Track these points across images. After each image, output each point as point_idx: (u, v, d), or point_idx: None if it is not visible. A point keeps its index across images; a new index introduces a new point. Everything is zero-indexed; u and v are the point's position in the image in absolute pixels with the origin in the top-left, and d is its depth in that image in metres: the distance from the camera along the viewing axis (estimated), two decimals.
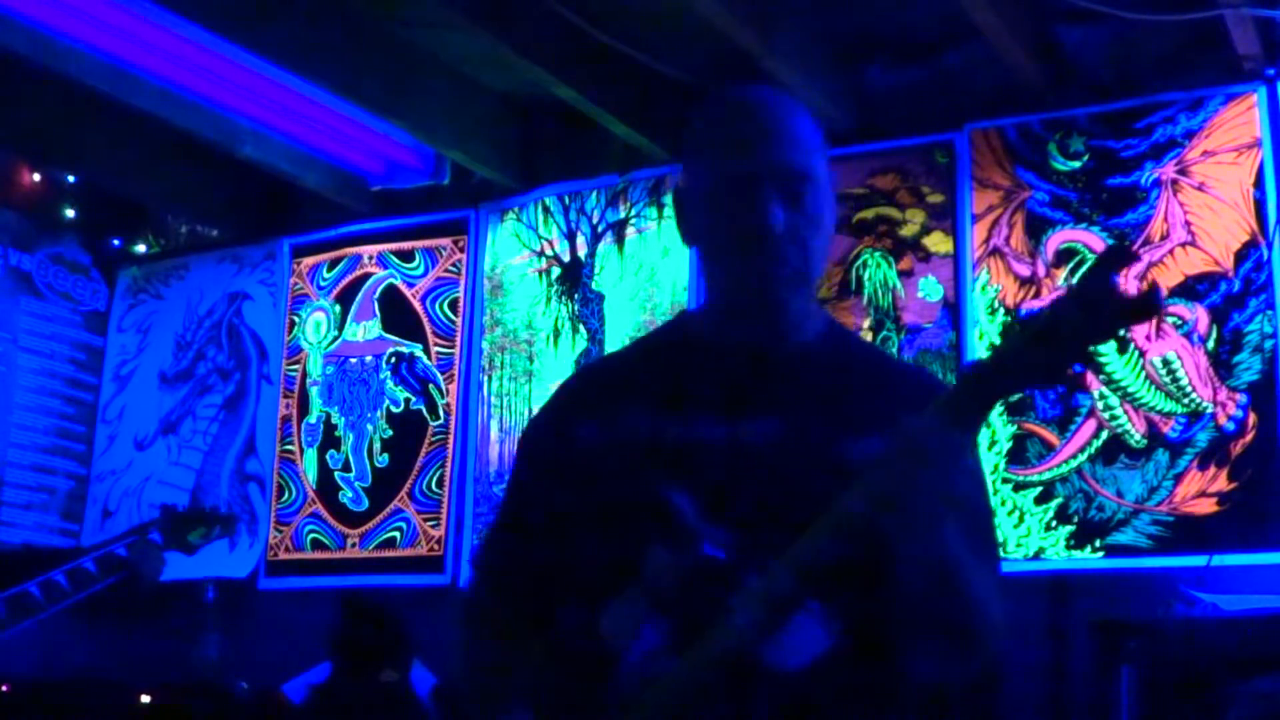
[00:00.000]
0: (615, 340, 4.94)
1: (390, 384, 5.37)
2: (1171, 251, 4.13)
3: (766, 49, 4.18)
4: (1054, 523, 4.10)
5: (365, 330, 5.48)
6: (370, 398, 5.39)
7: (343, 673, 4.19)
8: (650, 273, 4.94)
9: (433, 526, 5.14)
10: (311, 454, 5.47)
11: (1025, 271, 4.31)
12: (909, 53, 4.51)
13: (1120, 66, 4.28)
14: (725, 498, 1.59)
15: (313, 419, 5.50)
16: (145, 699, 4.55)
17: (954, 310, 4.39)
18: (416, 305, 5.39)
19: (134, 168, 5.52)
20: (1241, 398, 3.95)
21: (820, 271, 1.72)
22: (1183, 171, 4.15)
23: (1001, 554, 1.60)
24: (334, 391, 5.48)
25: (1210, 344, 4.02)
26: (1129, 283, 4.17)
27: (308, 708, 4.23)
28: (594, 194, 5.11)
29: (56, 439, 5.91)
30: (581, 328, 5.04)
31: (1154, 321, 4.11)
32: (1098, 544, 4.03)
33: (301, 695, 4.33)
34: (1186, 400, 4.03)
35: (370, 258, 5.53)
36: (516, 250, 5.23)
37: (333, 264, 5.60)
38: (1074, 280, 1.46)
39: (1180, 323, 4.07)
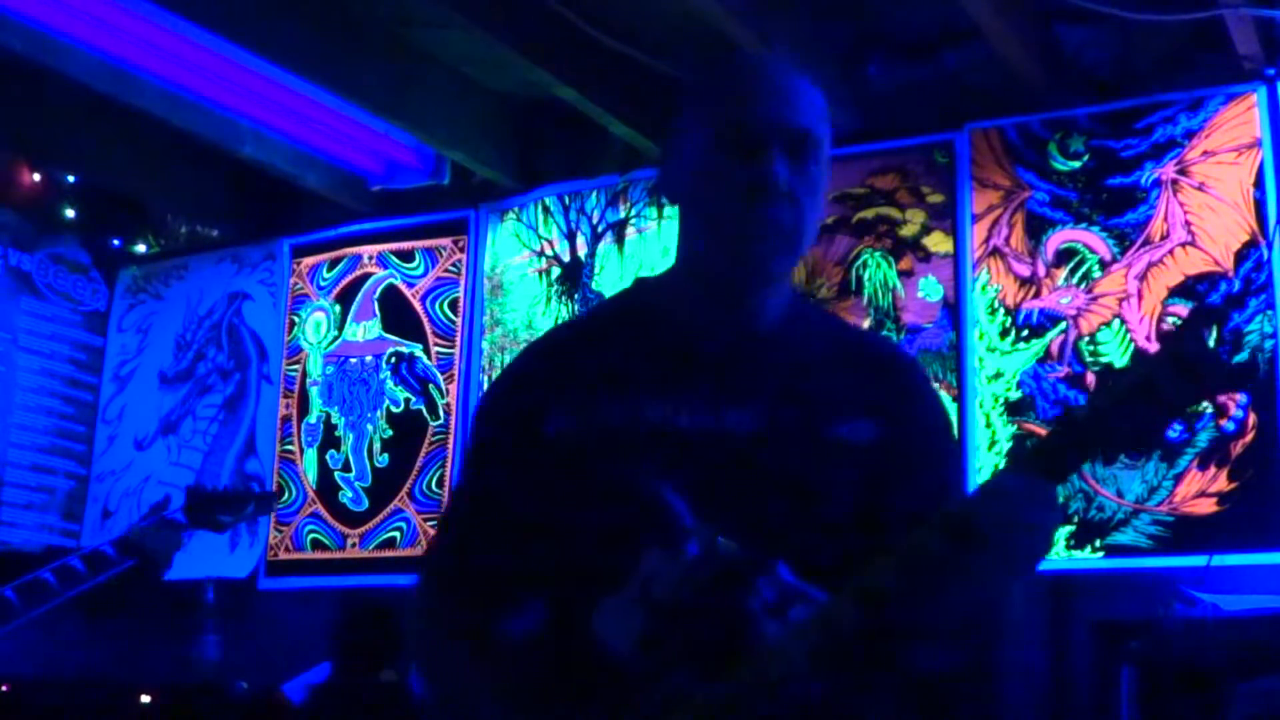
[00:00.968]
0: None
1: (390, 384, 5.36)
2: (1171, 251, 4.13)
3: (766, 49, 4.17)
4: None
5: (365, 330, 5.48)
6: (370, 398, 5.39)
7: (343, 673, 4.19)
8: (650, 273, 4.93)
9: (433, 527, 5.14)
10: (311, 454, 5.47)
11: (1025, 271, 4.31)
12: (909, 53, 4.51)
13: (1120, 66, 4.28)
14: (716, 490, 1.53)
15: (313, 419, 5.50)
16: (145, 699, 4.55)
17: (954, 310, 4.39)
18: (416, 305, 5.39)
19: (134, 168, 5.52)
20: (1241, 398, 3.94)
21: (810, 243, 1.65)
22: (1183, 171, 4.14)
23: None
24: (334, 391, 5.48)
25: (1210, 344, 4.01)
26: (1129, 282, 4.17)
27: (308, 708, 4.23)
28: (594, 194, 5.11)
29: (56, 439, 5.91)
30: None
31: (1154, 321, 4.12)
32: (1098, 544, 4.03)
33: (301, 695, 4.33)
34: None
35: (370, 258, 5.53)
36: (516, 250, 5.23)
37: (333, 264, 5.60)
38: (1165, 340, 1.37)
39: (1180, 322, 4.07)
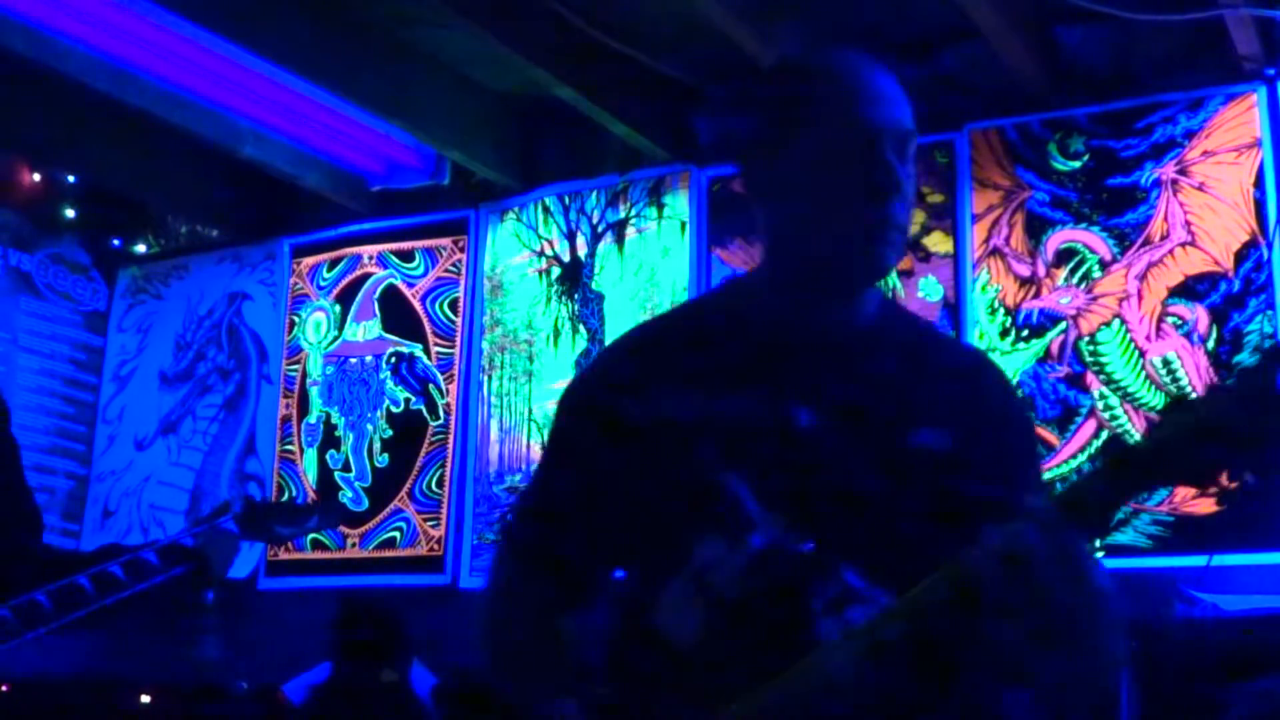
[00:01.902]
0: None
1: (390, 384, 5.37)
2: (1171, 251, 4.13)
3: (766, 49, 4.18)
4: None
5: (365, 330, 5.48)
6: (370, 398, 5.39)
7: (343, 673, 4.19)
8: (650, 273, 4.94)
9: (433, 526, 5.14)
10: (311, 454, 5.47)
11: (1025, 271, 4.31)
12: (909, 52, 4.51)
13: (1120, 67, 4.28)
14: (780, 486, 1.54)
15: (313, 419, 5.50)
16: (145, 699, 4.55)
17: (954, 310, 4.39)
18: (416, 305, 5.39)
19: (134, 168, 5.52)
20: None
21: (904, 247, 1.64)
22: (1183, 171, 4.14)
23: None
24: (334, 391, 5.48)
25: (1210, 344, 4.02)
26: (1129, 282, 4.17)
27: (308, 708, 4.23)
28: (594, 194, 5.11)
29: (56, 439, 5.91)
30: (581, 328, 5.04)
31: (1154, 321, 4.12)
32: (1098, 544, 4.03)
33: (301, 695, 4.32)
34: None
35: (370, 258, 5.53)
36: (516, 250, 5.23)
37: (333, 264, 5.60)
38: (1233, 376, 1.34)
39: (1180, 323, 4.07)
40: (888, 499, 1.53)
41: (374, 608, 4.27)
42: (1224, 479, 1.45)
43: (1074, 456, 4.12)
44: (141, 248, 6.18)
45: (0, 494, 2.44)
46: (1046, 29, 4.29)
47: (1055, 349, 4.21)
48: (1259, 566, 3.80)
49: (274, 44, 4.46)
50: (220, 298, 5.87)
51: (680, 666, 1.51)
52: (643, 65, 4.57)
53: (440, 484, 5.17)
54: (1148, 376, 4.08)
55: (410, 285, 5.42)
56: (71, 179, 5.86)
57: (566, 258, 5.12)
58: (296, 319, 5.64)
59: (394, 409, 5.34)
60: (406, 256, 5.45)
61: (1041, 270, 4.29)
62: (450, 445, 5.20)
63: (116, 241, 6.13)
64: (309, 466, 5.45)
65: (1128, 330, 4.14)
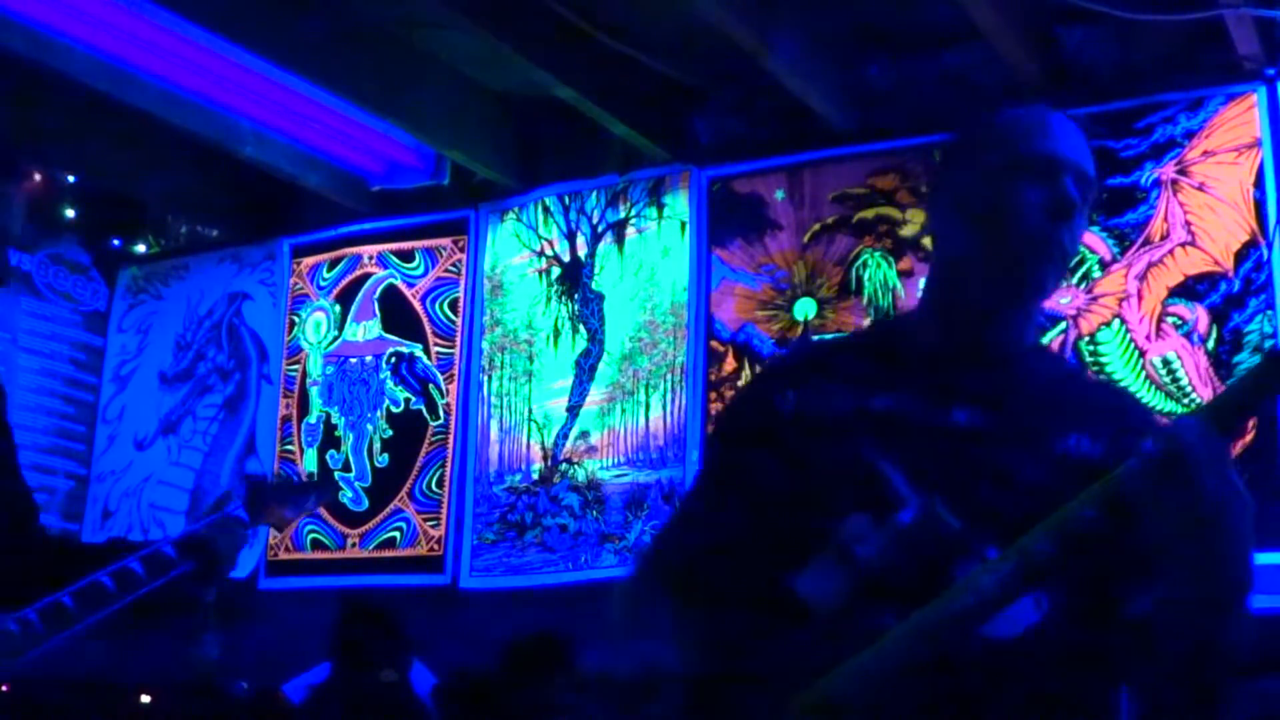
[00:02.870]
0: (615, 340, 4.95)
1: (390, 384, 5.37)
2: (1171, 251, 4.13)
3: (767, 49, 4.18)
4: None
5: (365, 330, 5.48)
6: (370, 398, 5.39)
7: (343, 673, 4.19)
8: (650, 273, 4.94)
9: (433, 526, 5.14)
10: (311, 454, 5.47)
11: None
12: (909, 52, 4.51)
13: (1120, 66, 4.28)
14: (932, 473, 1.62)
15: (313, 419, 5.50)
16: (145, 699, 4.56)
17: None
18: (416, 305, 5.39)
19: (134, 168, 5.52)
20: None
21: (1063, 278, 1.79)
22: (1183, 171, 4.14)
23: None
24: (334, 391, 5.48)
25: (1210, 344, 4.02)
26: (1129, 282, 4.17)
27: (308, 708, 4.23)
28: (594, 194, 5.11)
29: (56, 439, 5.91)
30: (581, 328, 5.04)
31: (1154, 321, 4.12)
32: None
33: (301, 695, 4.32)
34: (1186, 400, 4.03)
35: (370, 258, 5.53)
36: (516, 250, 5.23)
37: (333, 264, 5.60)
38: None
39: (1180, 323, 4.07)
40: (1036, 493, 1.59)
41: (374, 608, 4.27)
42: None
43: None
44: (141, 248, 6.18)
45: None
46: (1046, 29, 4.29)
47: (1055, 349, 4.21)
48: (1259, 566, 3.79)
49: (274, 44, 4.46)
50: (220, 298, 5.87)
51: (816, 632, 1.58)
52: (643, 65, 4.57)
53: (440, 484, 5.17)
54: (1148, 376, 4.08)
55: (410, 285, 5.42)
56: (71, 179, 5.86)
57: (566, 258, 5.12)
58: (296, 319, 5.64)
59: (394, 409, 5.34)
60: (406, 256, 5.45)
61: None
62: (450, 445, 5.20)
63: (116, 241, 6.13)
64: (309, 466, 5.45)
65: (1128, 330, 4.14)
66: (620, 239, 5.03)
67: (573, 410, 4.99)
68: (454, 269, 5.35)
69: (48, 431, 5.88)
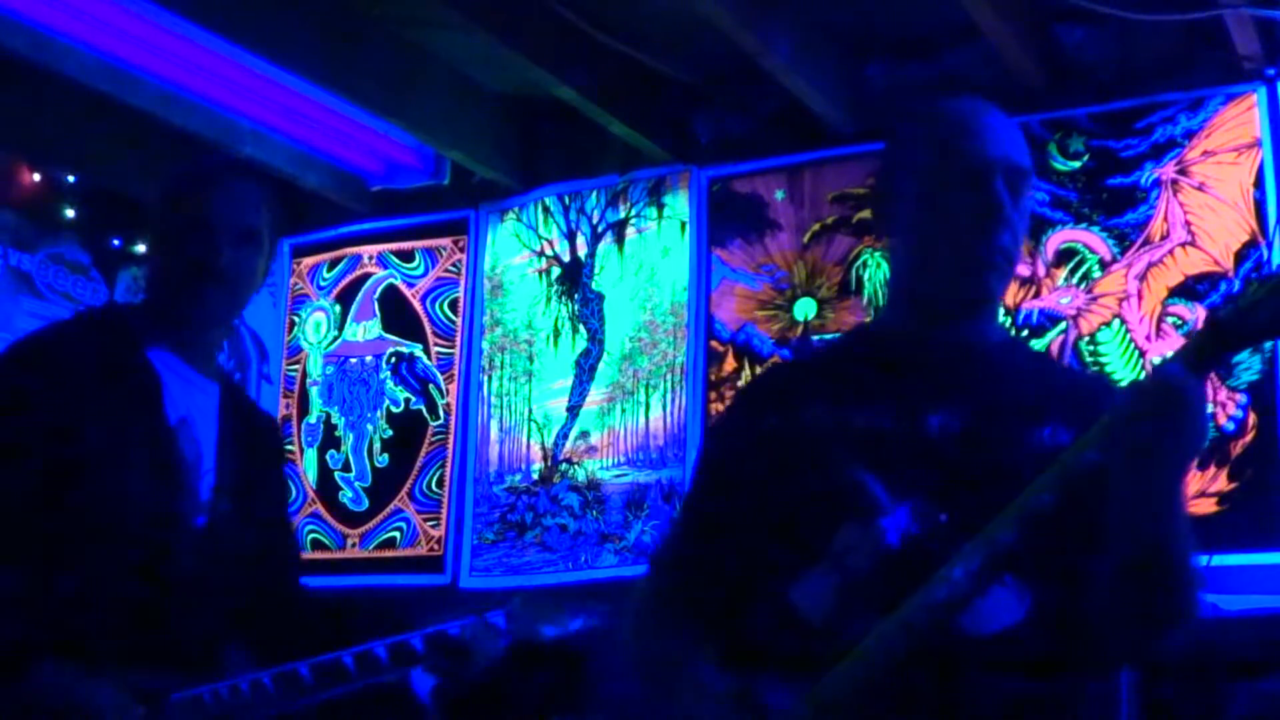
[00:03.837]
0: (615, 340, 4.95)
1: (390, 384, 5.37)
2: (1171, 251, 4.13)
3: (766, 49, 4.18)
4: None
5: (365, 330, 5.48)
6: (370, 398, 5.39)
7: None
8: (650, 273, 4.94)
9: (433, 526, 5.14)
10: (311, 454, 5.47)
11: (1025, 271, 4.31)
12: (909, 52, 4.51)
13: (1120, 66, 4.28)
14: (916, 479, 1.66)
15: (313, 419, 5.50)
16: None
17: None
18: (416, 305, 5.39)
19: (134, 168, 5.52)
20: (1241, 398, 3.95)
21: (1013, 271, 1.79)
22: (1183, 171, 4.14)
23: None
24: (334, 391, 5.48)
25: None
26: (1129, 282, 4.17)
27: (307, 707, 4.22)
28: (594, 194, 5.11)
29: None
30: (581, 328, 5.04)
31: (1154, 321, 4.12)
32: None
33: None
34: None
35: (370, 258, 5.53)
36: (516, 250, 5.23)
37: (333, 264, 5.60)
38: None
39: (1180, 323, 4.07)
40: (1012, 488, 1.60)
41: (374, 608, 4.27)
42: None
43: None
44: (141, 248, 6.17)
45: (263, 531, 2.39)
46: (1046, 29, 4.29)
47: (1055, 349, 4.21)
48: (1259, 566, 3.79)
49: (274, 44, 4.46)
50: None
51: (813, 640, 1.62)
52: (643, 65, 4.57)
53: (440, 484, 5.17)
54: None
55: (410, 285, 5.42)
56: (71, 179, 5.85)
57: (566, 258, 5.12)
58: (296, 319, 5.64)
59: (394, 409, 5.34)
60: (406, 256, 5.45)
61: (1041, 270, 4.29)
62: (450, 445, 5.20)
63: (116, 241, 6.12)
64: (309, 466, 5.45)
65: (1128, 330, 4.14)
66: (620, 239, 5.03)
67: (573, 410, 4.99)
68: (454, 269, 5.35)
69: None
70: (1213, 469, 3.93)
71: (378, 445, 5.34)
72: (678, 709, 1.74)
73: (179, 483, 2.23)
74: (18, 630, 2.07)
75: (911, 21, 4.40)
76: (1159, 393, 1.53)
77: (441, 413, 5.25)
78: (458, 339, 5.28)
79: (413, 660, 2.44)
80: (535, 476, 5.00)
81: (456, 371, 5.26)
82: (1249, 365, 3.96)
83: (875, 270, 4.54)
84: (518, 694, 3.82)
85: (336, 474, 5.39)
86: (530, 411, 5.08)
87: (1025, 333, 4.26)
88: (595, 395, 4.96)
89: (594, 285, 5.05)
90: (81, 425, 2.19)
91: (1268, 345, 3.92)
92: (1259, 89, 4.08)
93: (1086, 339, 4.19)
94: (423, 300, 5.39)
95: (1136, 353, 4.10)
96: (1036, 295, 4.28)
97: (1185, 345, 1.60)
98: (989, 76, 4.37)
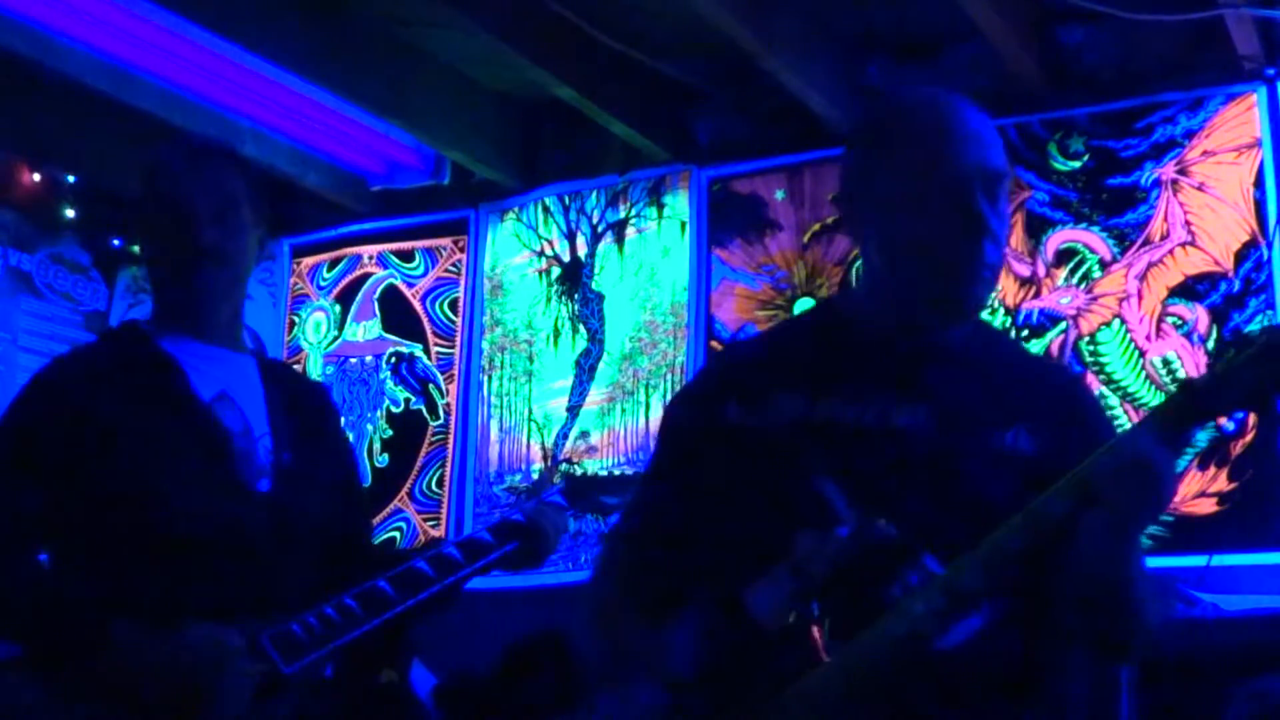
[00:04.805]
0: (615, 340, 4.95)
1: (390, 384, 5.37)
2: (1171, 251, 4.13)
3: (766, 49, 4.18)
4: None
5: (365, 330, 5.48)
6: (370, 398, 5.40)
7: (343, 673, 4.18)
8: (650, 273, 4.94)
9: (433, 526, 5.14)
10: None
11: (1025, 271, 4.31)
12: (909, 52, 4.51)
13: (1120, 66, 4.28)
14: (875, 484, 1.62)
15: None
16: None
17: None
18: (416, 305, 5.39)
19: (134, 168, 5.50)
20: None
21: (998, 277, 1.74)
22: (1183, 171, 4.15)
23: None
24: (334, 391, 5.48)
25: (1210, 344, 4.02)
26: (1129, 282, 4.17)
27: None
28: (594, 194, 5.11)
29: None
30: (581, 328, 5.04)
31: (1154, 321, 4.12)
32: None
33: None
34: None
35: (370, 258, 5.53)
36: (516, 250, 5.23)
37: (333, 264, 5.60)
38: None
39: (1180, 323, 4.07)
40: (973, 494, 1.61)
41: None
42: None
43: None
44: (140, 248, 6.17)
45: (331, 486, 2.42)
46: (1046, 29, 4.29)
47: (1055, 349, 4.21)
48: (1259, 566, 3.80)
49: (274, 44, 4.46)
50: None
51: (764, 649, 1.60)
52: (643, 66, 4.57)
53: (440, 484, 5.17)
54: (1148, 377, 4.08)
55: (410, 285, 5.42)
56: (71, 179, 5.85)
57: (566, 258, 5.12)
58: (296, 319, 5.64)
59: (394, 409, 5.34)
60: (406, 256, 5.45)
61: (1041, 270, 4.29)
62: (450, 445, 5.20)
63: (116, 241, 6.12)
64: None
65: (1128, 330, 4.14)
66: (620, 239, 5.03)
67: (573, 410, 4.99)
68: (454, 269, 5.35)
69: None
70: (1213, 469, 3.94)
71: (378, 445, 5.34)
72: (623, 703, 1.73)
73: (228, 451, 2.26)
74: (92, 607, 2.11)
75: (911, 21, 4.40)
76: (1130, 463, 1.53)
77: (441, 413, 5.25)
78: (458, 339, 5.28)
79: (486, 551, 2.46)
80: (535, 476, 5.00)
81: (456, 371, 5.26)
82: None
83: None
84: (518, 694, 3.82)
85: None
86: (530, 411, 5.08)
87: (1025, 333, 4.27)
88: (595, 395, 4.96)
89: (594, 285, 5.05)
90: (115, 423, 2.23)
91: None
92: (1259, 89, 4.08)
93: (1086, 339, 4.19)
94: (423, 300, 5.39)
95: (1136, 353, 4.10)
96: (1036, 295, 4.28)
97: (1159, 411, 1.58)
98: (989, 77, 4.37)
